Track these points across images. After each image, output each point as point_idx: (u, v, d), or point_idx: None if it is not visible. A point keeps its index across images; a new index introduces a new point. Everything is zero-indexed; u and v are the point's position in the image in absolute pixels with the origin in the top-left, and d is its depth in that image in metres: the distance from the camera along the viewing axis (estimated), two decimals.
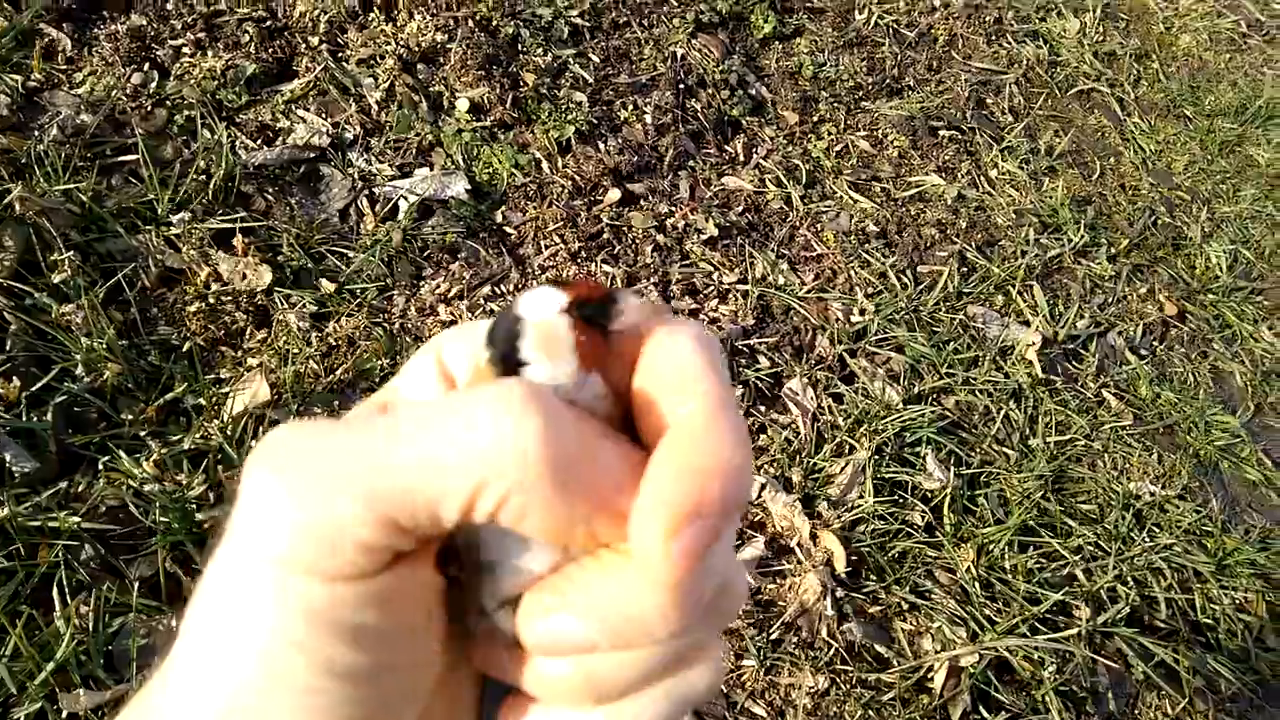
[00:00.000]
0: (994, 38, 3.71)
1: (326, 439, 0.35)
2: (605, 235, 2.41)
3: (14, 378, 1.61)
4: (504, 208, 2.36)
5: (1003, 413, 2.42)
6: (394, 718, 0.37)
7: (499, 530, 0.36)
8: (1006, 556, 2.12)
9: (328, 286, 2.00)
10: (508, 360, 0.39)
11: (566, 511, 0.34)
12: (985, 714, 1.87)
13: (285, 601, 0.33)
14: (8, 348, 1.65)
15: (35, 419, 1.59)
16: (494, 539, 0.38)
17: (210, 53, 2.27)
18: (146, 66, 2.18)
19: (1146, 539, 2.28)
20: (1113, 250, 3.07)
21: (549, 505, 0.33)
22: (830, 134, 3.04)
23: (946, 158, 3.12)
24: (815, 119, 3.08)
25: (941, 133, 3.20)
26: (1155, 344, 2.88)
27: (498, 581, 0.39)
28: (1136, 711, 2.01)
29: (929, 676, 1.89)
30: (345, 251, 2.09)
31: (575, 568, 0.38)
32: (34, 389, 1.62)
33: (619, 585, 0.36)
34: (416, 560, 0.37)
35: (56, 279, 1.74)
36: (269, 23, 2.40)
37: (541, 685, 0.39)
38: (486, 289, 2.18)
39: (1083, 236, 3.02)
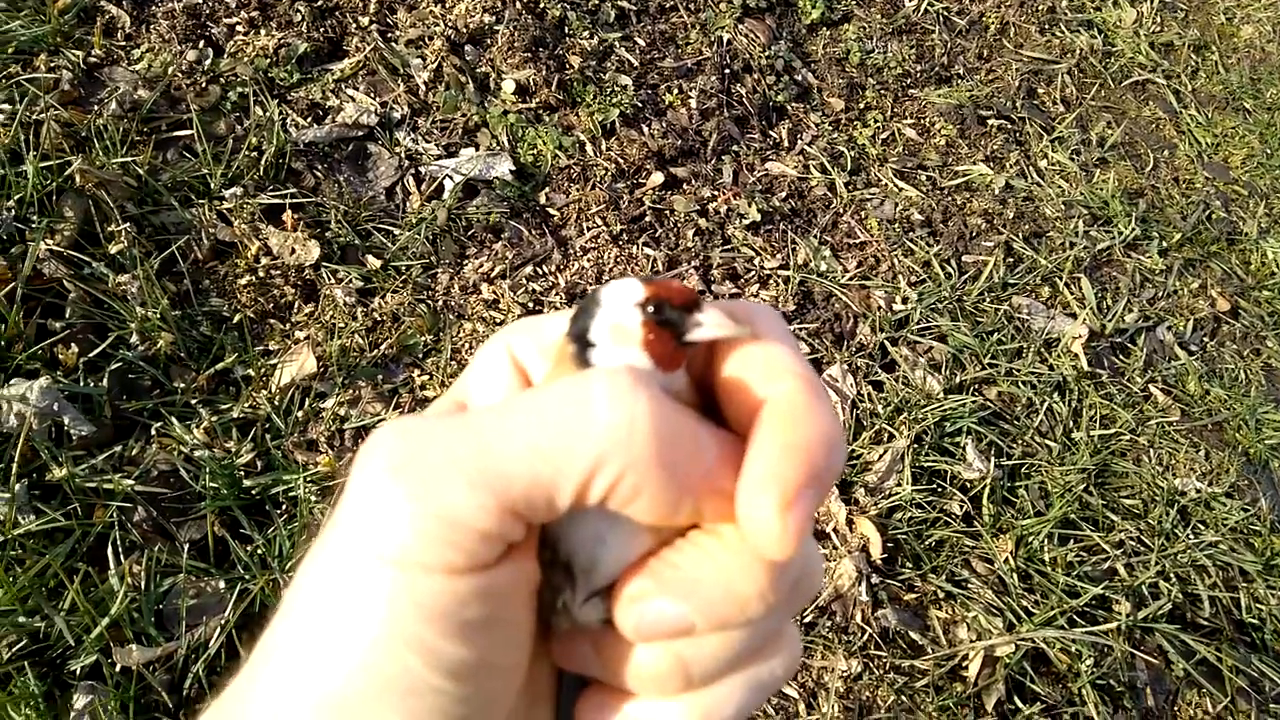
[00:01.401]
0: (1047, 26, 3.65)
1: (437, 432, 0.35)
2: (647, 218, 2.42)
3: (72, 344, 1.66)
4: (547, 189, 2.38)
5: (1046, 405, 2.39)
6: (489, 718, 0.37)
7: (592, 521, 0.38)
8: (1046, 548, 2.09)
9: (373, 263, 2.03)
10: (581, 341, 0.40)
11: (676, 490, 0.35)
12: (1020, 704, 1.86)
13: (399, 597, 0.33)
14: (67, 315, 1.70)
15: (92, 384, 1.64)
16: (587, 530, 0.38)
17: (263, 31, 2.31)
18: (201, 44, 2.23)
19: (1191, 536, 2.24)
20: (1164, 244, 3.01)
21: (660, 483, 0.34)
22: (876, 121, 3.02)
23: (995, 147, 3.08)
24: (861, 106, 3.05)
25: (990, 122, 3.16)
26: (1205, 340, 2.83)
27: (590, 574, 0.39)
28: (1176, 709, 1.98)
29: (963, 665, 1.88)
30: (391, 229, 2.12)
31: (671, 551, 0.38)
32: (91, 355, 1.67)
33: (718, 564, 0.37)
34: (523, 552, 0.37)
35: (113, 249, 1.79)
36: (320, 2, 2.43)
37: (631, 674, 0.39)
38: (529, 269, 2.20)
39: (1133, 229, 2.96)
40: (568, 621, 0.40)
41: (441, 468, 0.34)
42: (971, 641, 1.90)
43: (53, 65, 2.00)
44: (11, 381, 1.57)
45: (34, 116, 1.87)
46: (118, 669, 1.39)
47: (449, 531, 0.33)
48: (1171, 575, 2.15)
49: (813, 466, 0.35)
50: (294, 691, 0.34)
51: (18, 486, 1.46)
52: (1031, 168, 3.08)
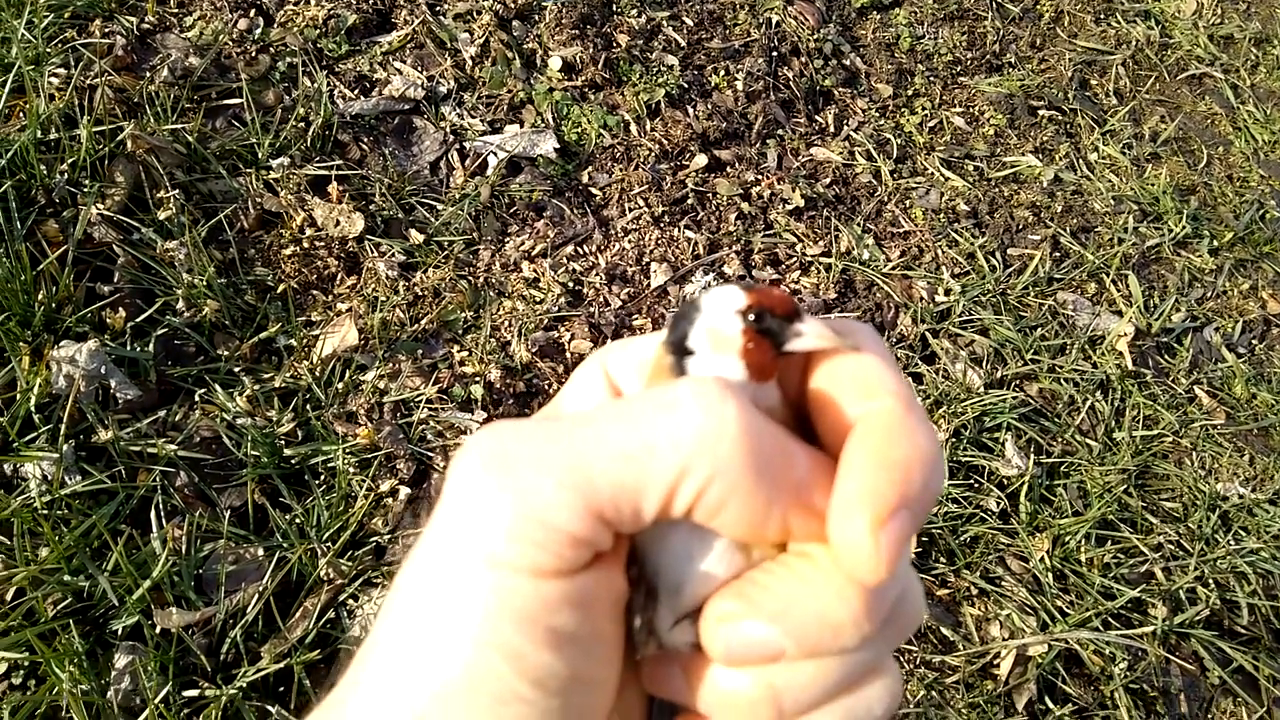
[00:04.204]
0: (1103, 16, 3.57)
1: (528, 433, 0.35)
2: (689, 201, 2.40)
3: (120, 308, 1.68)
4: (590, 168, 2.37)
5: (1088, 403, 2.36)
6: None
7: (680, 536, 0.37)
8: (1083, 549, 2.07)
9: (416, 237, 2.04)
10: (678, 349, 0.40)
11: (764, 503, 0.34)
12: (1051, 705, 1.84)
13: (494, 601, 0.34)
14: (115, 279, 1.72)
15: (138, 349, 1.66)
16: (674, 546, 0.38)
17: (313, 2, 2.31)
18: (252, 13, 2.23)
19: (1232, 542, 2.20)
20: (1215, 243, 2.95)
21: (748, 495, 0.34)
22: (924, 109, 2.97)
23: (1045, 138, 3.02)
24: (910, 93, 3.01)
25: (1041, 112, 3.10)
26: (1254, 342, 2.77)
27: (677, 594, 0.38)
28: (1210, 716, 1.96)
29: (995, 663, 1.86)
30: (434, 204, 2.12)
31: (760, 573, 0.37)
32: (138, 320, 1.69)
33: (810, 587, 0.36)
34: (611, 561, 0.37)
35: (162, 216, 1.80)
36: None
37: (721, 702, 0.38)
38: (569, 248, 2.19)
39: (1184, 227, 2.90)
40: (656, 643, 0.40)
41: (532, 467, 0.34)
42: (1004, 640, 1.88)
43: (107, 31, 2.01)
44: (61, 343, 1.59)
45: (88, 81, 1.89)
46: (158, 630, 1.41)
47: (538, 531, 0.34)
48: (1210, 581, 2.11)
49: (908, 486, 0.34)
50: (388, 696, 0.35)
51: (65, 447, 1.49)
52: (1081, 161, 3.02)
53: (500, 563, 0.34)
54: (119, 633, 1.40)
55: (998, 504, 2.08)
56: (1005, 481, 2.13)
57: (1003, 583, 1.98)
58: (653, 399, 0.35)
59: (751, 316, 0.39)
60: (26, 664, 1.34)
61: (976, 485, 2.10)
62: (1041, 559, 2.02)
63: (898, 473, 0.34)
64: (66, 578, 1.40)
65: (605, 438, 0.34)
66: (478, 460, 0.35)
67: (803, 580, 0.36)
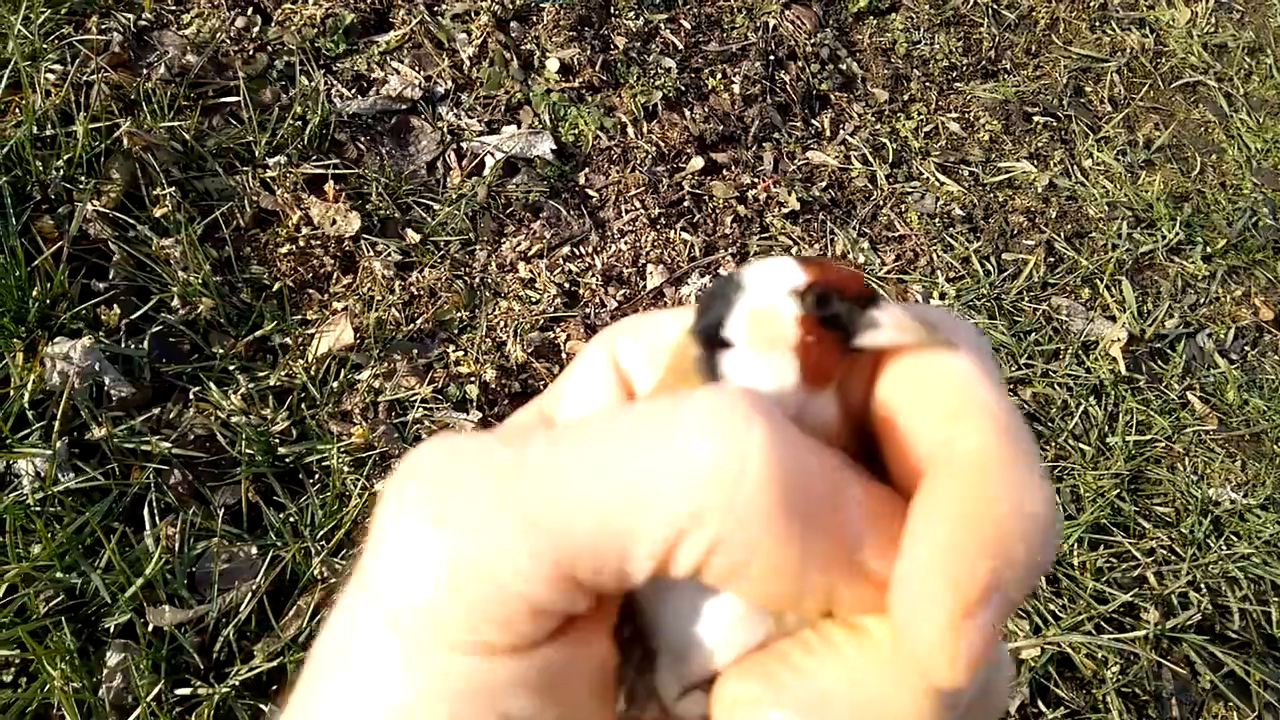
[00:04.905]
0: (1098, 23, 3.59)
1: (486, 463, 0.27)
2: (686, 203, 2.41)
3: (115, 305, 1.68)
4: (587, 170, 2.37)
5: (1082, 408, 2.37)
6: None
7: (687, 595, 0.29)
8: (1076, 553, 2.07)
9: (413, 237, 2.04)
10: (710, 339, 0.31)
11: (798, 566, 0.26)
12: (1044, 708, 1.84)
13: (424, 680, 0.26)
14: (110, 276, 1.72)
15: (133, 346, 1.66)
16: (680, 602, 0.30)
17: (311, 0, 2.31)
18: (250, 11, 2.23)
19: (1224, 547, 2.21)
20: (1208, 250, 2.96)
21: (776, 557, 0.25)
22: (920, 114, 2.98)
23: (1040, 145, 3.04)
24: (905, 98, 3.02)
25: (1036, 119, 3.11)
26: (1247, 349, 2.78)
27: (682, 661, 0.30)
28: None
29: None
30: (431, 203, 2.12)
31: (794, 646, 0.29)
32: (133, 317, 1.68)
33: (859, 674, 0.27)
34: (590, 627, 0.29)
35: (158, 213, 1.80)
36: None
37: None
38: (566, 249, 2.19)
39: (1177, 234, 2.91)
40: (658, 708, 0.32)
41: (480, 509, 0.26)
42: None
43: (104, 27, 2.01)
44: (55, 340, 1.59)
45: (84, 78, 1.89)
46: (150, 629, 1.41)
47: (484, 597, 0.26)
48: (1202, 586, 2.12)
49: (1006, 562, 0.25)
50: None
51: (59, 444, 1.48)
52: (1076, 167, 3.03)
53: (439, 637, 0.26)
54: (111, 630, 1.39)
55: None
56: None
57: None
58: (650, 419, 0.26)
59: (813, 299, 0.30)
60: (18, 662, 1.33)
61: None
62: None
63: (992, 542, 0.25)
64: (59, 575, 1.39)
65: (581, 473, 0.26)
66: (411, 495, 0.27)
67: (850, 665, 0.27)
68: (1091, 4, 3.63)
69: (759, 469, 0.25)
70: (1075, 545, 2.09)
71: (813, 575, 0.26)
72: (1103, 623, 1.98)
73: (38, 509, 1.42)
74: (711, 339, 0.31)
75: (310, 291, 1.90)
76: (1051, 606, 1.98)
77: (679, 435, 0.25)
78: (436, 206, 2.11)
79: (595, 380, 0.34)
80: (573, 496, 0.25)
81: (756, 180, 2.54)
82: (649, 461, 0.25)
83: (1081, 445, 2.30)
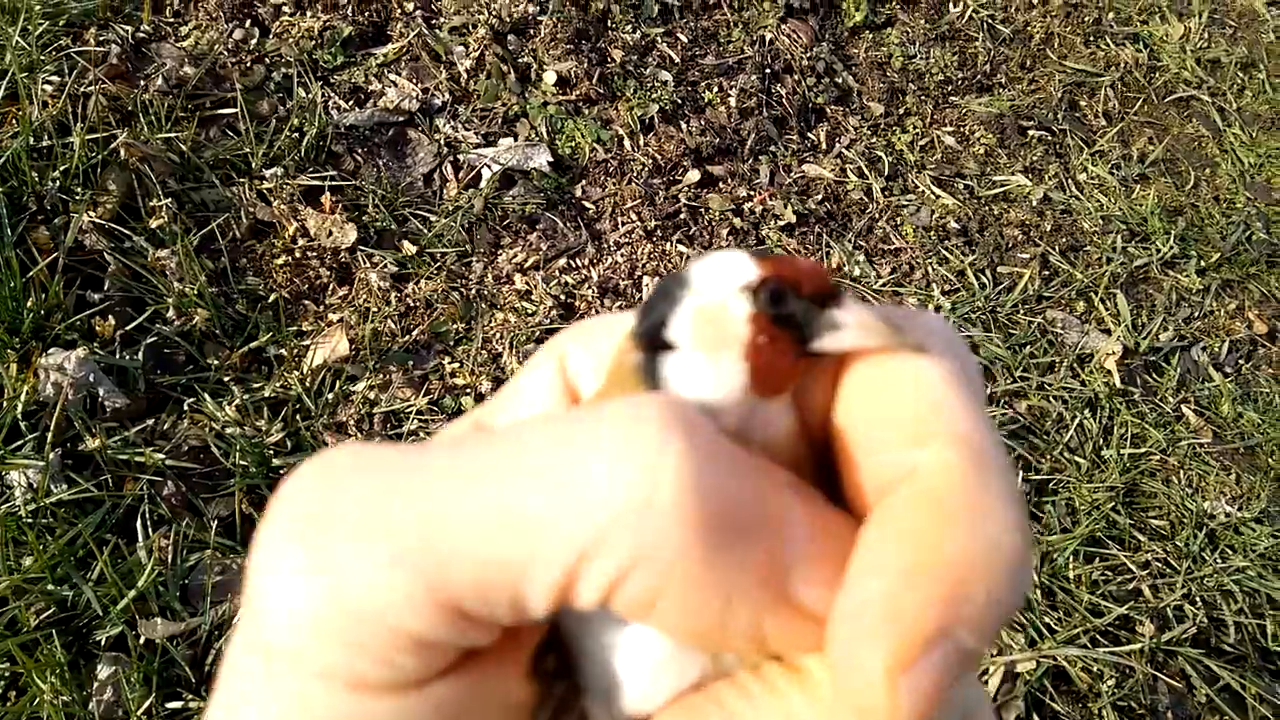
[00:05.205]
0: (1092, 38, 3.61)
1: (370, 481, 0.24)
2: (682, 215, 2.41)
3: (110, 316, 1.68)
4: (584, 182, 2.38)
5: (1077, 421, 2.37)
6: None
7: (611, 627, 0.26)
8: (1071, 566, 2.07)
9: (409, 248, 2.04)
10: (652, 341, 0.28)
11: (722, 602, 0.23)
12: None
13: (300, 717, 0.24)
14: (105, 287, 1.71)
15: (127, 357, 1.65)
16: (604, 640, 0.27)
17: (309, 13, 2.31)
18: (248, 23, 2.24)
19: (1219, 560, 2.21)
20: (1202, 263, 2.97)
21: (693, 587, 0.22)
22: (915, 127, 2.99)
23: (1034, 158, 3.05)
24: (901, 111, 3.03)
25: (1031, 132, 3.13)
26: (1241, 362, 2.79)
27: (612, 699, 0.27)
28: None
29: (983, 679, 1.86)
30: (428, 215, 2.12)
31: (728, 689, 0.26)
32: (128, 328, 1.68)
33: None
34: (497, 661, 0.26)
35: (154, 224, 1.80)
36: None
37: None
38: (562, 261, 2.20)
39: (1172, 247, 2.92)
40: None
41: (357, 533, 0.23)
42: (992, 656, 1.88)
43: (102, 39, 2.01)
44: (50, 351, 1.58)
45: (82, 89, 1.89)
46: (142, 641, 1.40)
47: (362, 630, 0.23)
48: (1197, 599, 2.12)
49: (960, 604, 0.22)
50: None
51: (52, 455, 1.48)
52: (1071, 181, 3.04)
53: (306, 673, 0.24)
54: (102, 643, 1.39)
55: None
56: None
57: None
58: (556, 432, 0.23)
59: (766, 296, 0.27)
60: (7, 675, 1.33)
61: None
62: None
63: (946, 580, 0.22)
64: (50, 587, 1.38)
65: (465, 496, 0.23)
66: (282, 523, 0.25)
67: (789, 711, 0.24)
68: (1086, 19, 3.65)
69: (672, 489, 0.22)
70: (1071, 558, 2.08)
71: (738, 610, 0.23)
72: (1098, 636, 1.98)
73: (30, 520, 1.42)
74: (654, 341, 0.27)
75: (306, 303, 1.90)
76: (1047, 619, 1.97)
77: (582, 452, 0.23)
78: (433, 218, 2.11)
79: (538, 390, 0.31)
80: (452, 523, 0.23)
81: (753, 193, 2.54)
82: (545, 482, 0.22)
83: (1077, 458, 2.30)
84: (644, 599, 0.23)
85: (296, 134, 2.08)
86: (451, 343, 1.96)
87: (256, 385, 1.73)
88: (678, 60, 2.74)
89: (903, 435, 0.24)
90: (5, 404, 1.51)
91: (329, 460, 0.25)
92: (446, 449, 0.25)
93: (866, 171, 2.75)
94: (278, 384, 1.74)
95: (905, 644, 0.21)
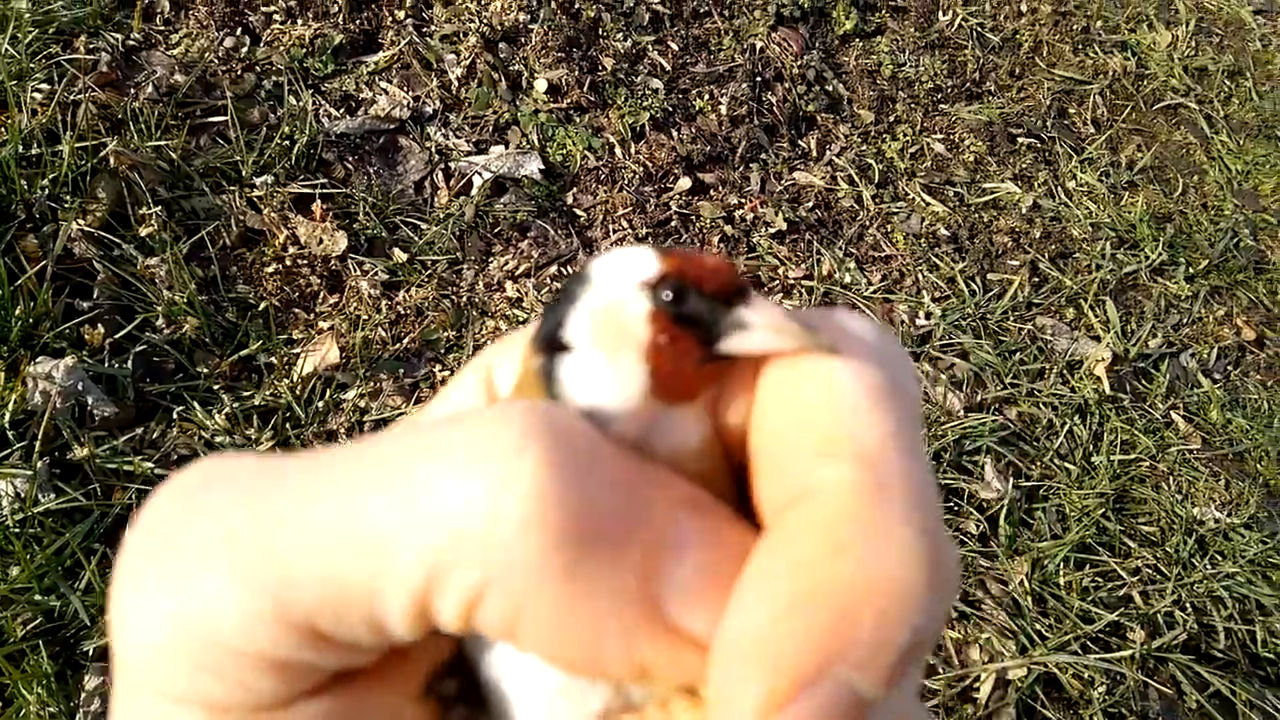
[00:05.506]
0: (1080, 46, 3.63)
1: (225, 493, 0.23)
2: (673, 223, 2.41)
3: (99, 325, 1.67)
4: (575, 189, 2.38)
5: (1066, 427, 2.38)
6: None
7: (506, 653, 0.25)
8: (1061, 572, 2.08)
9: (400, 256, 2.04)
10: (549, 342, 0.26)
11: (590, 627, 0.21)
12: None
13: None
14: (95, 296, 1.71)
15: (117, 366, 1.65)
16: (499, 664, 0.26)
17: (300, 21, 2.31)
18: (239, 31, 2.24)
19: (1208, 566, 2.22)
20: (1191, 270, 2.99)
21: (557, 613, 0.21)
22: (906, 135, 3.00)
23: (1024, 166, 3.06)
24: (891, 119, 3.04)
25: (1020, 140, 3.14)
26: (1230, 368, 2.80)
27: None
28: None
29: (975, 686, 1.86)
30: (418, 223, 2.12)
31: None
32: (117, 337, 1.68)
33: None
34: (376, 683, 0.25)
35: (143, 232, 1.80)
36: None
37: None
38: (553, 269, 2.20)
39: (1160, 254, 2.94)
40: None
41: (202, 549, 0.22)
42: (984, 663, 1.88)
43: (92, 47, 2.01)
44: (38, 359, 1.58)
45: (72, 97, 1.89)
46: None
47: (209, 649, 0.22)
48: (1188, 605, 2.13)
49: (846, 639, 0.20)
50: None
51: (39, 464, 1.47)
52: (1060, 188, 3.06)
53: (164, 695, 0.23)
54: (90, 654, 1.38)
55: (978, 527, 2.09)
56: (985, 504, 2.14)
57: (983, 606, 1.98)
58: (412, 442, 0.22)
59: (667, 293, 0.25)
60: None
61: (957, 508, 2.10)
62: (1021, 582, 2.03)
63: (828, 614, 0.20)
64: (37, 597, 1.38)
65: (320, 508, 0.22)
66: (141, 535, 0.24)
67: None
68: (1074, 27, 3.68)
69: (524, 501, 0.20)
70: (1061, 564, 2.09)
71: (610, 635, 0.21)
72: (1089, 642, 1.98)
73: (17, 530, 1.41)
74: (552, 343, 0.26)
75: (296, 311, 1.90)
76: (1038, 626, 1.98)
77: (433, 463, 0.21)
78: (424, 226, 2.11)
79: (462, 404, 0.29)
80: (299, 539, 0.21)
81: (743, 200, 2.55)
82: (394, 496, 0.21)
83: (1067, 464, 2.31)
84: (504, 622, 0.21)
85: (287, 142, 2.07)
86: (442, 350, 1.95)
87: (246, 394, 1.73)
88: (668, 68, 2.75)
89: (808, 449, 0.22)
90: None
91: (190, 475, 0.24)
92: (306, 460, 0.23)
93: (857, 179, 2.76)
94: (268, 392, 1.74)
95: (780, 682, 0.20)
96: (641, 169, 2.47)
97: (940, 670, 1.87)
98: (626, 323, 0.25)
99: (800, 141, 2.83)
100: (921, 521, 0.21)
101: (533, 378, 0.26)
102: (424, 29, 2.47)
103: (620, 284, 0.26)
